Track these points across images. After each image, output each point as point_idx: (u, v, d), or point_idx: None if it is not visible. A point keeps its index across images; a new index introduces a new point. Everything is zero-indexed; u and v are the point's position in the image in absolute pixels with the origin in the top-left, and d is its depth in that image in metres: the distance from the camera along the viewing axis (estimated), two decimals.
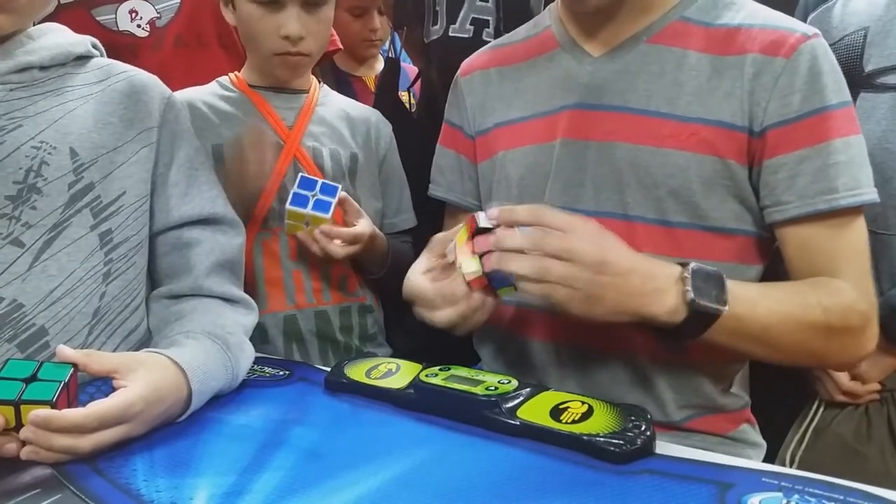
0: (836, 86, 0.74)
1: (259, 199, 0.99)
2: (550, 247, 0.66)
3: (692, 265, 0.68)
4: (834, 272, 0.74)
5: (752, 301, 0.69)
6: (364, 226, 0.98)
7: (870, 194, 0.74)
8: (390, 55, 1.67)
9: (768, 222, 0.77)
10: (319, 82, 1.12)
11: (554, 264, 0.65)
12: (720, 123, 0.76)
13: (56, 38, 0.79)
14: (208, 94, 1.05)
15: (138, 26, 1.19)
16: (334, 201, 0.94)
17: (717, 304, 0.67)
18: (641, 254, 0.70)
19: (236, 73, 1.08)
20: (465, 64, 0.98)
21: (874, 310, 0.75)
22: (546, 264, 0.65)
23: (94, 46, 0.83)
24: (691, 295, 0.66)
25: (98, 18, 1.17)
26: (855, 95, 0.98)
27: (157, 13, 1.20)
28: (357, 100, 1.22)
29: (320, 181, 0.95)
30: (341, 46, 1.36)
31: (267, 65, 1.03)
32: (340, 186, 0.95)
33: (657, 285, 0.67)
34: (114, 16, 1.18)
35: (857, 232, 0.75)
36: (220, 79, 1.09)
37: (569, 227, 0.67)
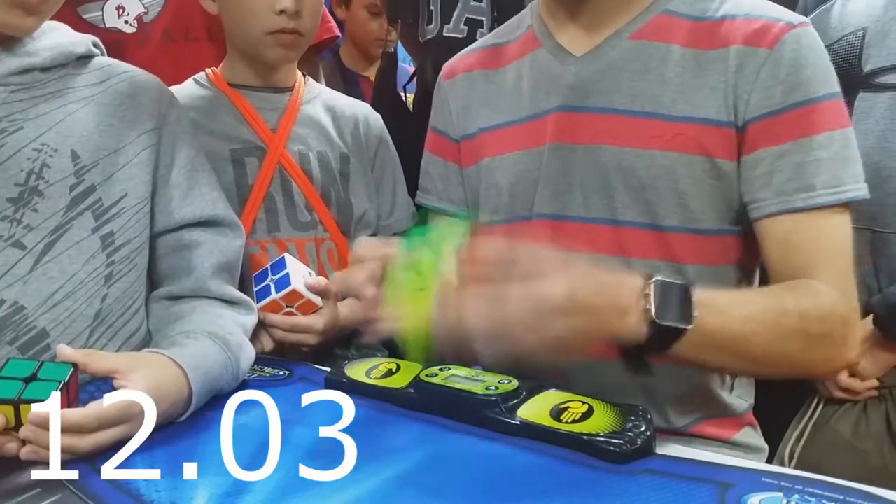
0: (821, 77, 0.72)
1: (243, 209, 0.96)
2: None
3: (655, 279, 0.61)
4: (812, 272, 0.70)
5: (720, 310, 0.64)
6: (319, 317, 0.90)
7: (854, 191, 0.71)
8: (387, 50, 1.66)
9: (751, 219, 0.74)
10: (304, 76, 1.07)
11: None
12: (706, 121, 0.74)
13: (57, 38, 0.78)
14: (184, 96, 0.98)
15: (125, 22, 1.16)
16: (286, 270, 0.89)
17: (679, 321, 0.60)
18: (602, 267, 0.63)
19: (214, 69, 1.03)
20: (446, 67, 0.95)
21: (856, 314, 0.71)
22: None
23: (95, 45, 0.83)
24: (652, 313, 0.60)
25: (84, 16, 1.15)
26: (854, 95, 0.98)
27: (145, 8, 1.17)
28: (364, 100, 1.19)
29: (267, 266, 0.90)
30: (339, 34, 1.35)
31: (257, 48, 0.96)
32: (286, 255, 0.90)
33: (620, 305, 0.61)
34: (100, 13, 1.15)
35: (839, 230, 0.71)
36: (196, 76, 1.03)
37: (536, 271, 0.58)
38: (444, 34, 1.18)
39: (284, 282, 0.88)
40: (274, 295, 0.88)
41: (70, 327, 0.72)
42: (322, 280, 0.90)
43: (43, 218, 0.71)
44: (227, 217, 0.86)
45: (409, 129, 1.23)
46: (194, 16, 1.18)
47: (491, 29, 1.13)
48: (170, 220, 0.81)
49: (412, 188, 1.12)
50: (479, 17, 1.15)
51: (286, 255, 0.91)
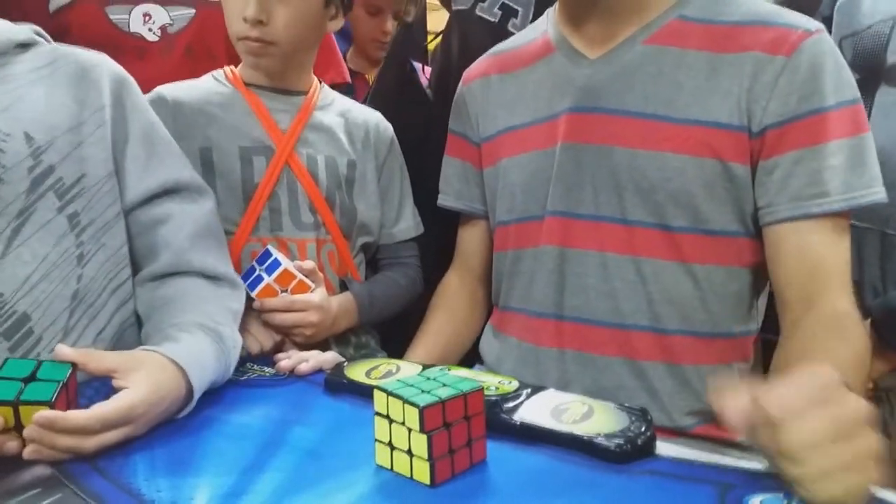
0: (836, 85, 0.73)
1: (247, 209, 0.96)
2: None
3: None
4: (826, 280, 0.72)
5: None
6: (314, 293, 0.93)
7: (867, 196, 0.72)
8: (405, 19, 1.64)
9: (761, 224, 0.76)
10: (321, 83, 1.08)
11: None
12: (718, 124, 0.75)
13: None
14: (200, 89, 1.00)
15: (149, 30, 1.18)
16: (273, 256, 0.91)
17: None
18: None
19: (233, 67, 1.04)
20: (466, 73, 0.98)
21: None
22: None
23: (39, 34, 0.82)
24: None
25: (111, 17, 1.17)
26: (875, 87, 0.95)
27: (171, 20, 1.20)
28: (355, 97, 1.20)
29: (253, 262, 0.92)
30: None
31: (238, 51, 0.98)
32: (268, 246, 0.92)
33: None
34: (127, 16, 1.18)
35: (846, 237, 0.74)
36: (214, 72, 1.04)
37: None
38: (477, 12, 1.15)
39: (275, 265, 0.90)
40: (267, 279, 0.89)
41: (49, 309, 0.71)
42: (310, 262, 0.93)
43: (6, 203, 0.71)
44: (193, 181, 0.85)
45: (416, 103, 1.21)
46: (218, 36, 1.19)
47: (524, 21, 1.10)
48: (136, 194, 0.81)
49: (417, 170, 1.11)
50: (516, 7, 1.11)
51: (269, 246, 0.92)
